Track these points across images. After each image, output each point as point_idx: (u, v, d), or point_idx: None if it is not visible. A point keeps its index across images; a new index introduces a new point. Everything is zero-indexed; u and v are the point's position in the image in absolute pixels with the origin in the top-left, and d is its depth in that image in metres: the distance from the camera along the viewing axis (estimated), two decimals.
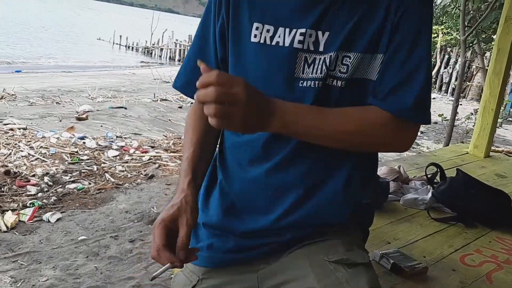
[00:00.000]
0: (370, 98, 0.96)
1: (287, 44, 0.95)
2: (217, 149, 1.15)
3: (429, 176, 2.19)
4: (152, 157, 5.32)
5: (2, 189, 3.98)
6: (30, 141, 5.21)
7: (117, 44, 25.51)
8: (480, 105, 3.23)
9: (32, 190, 4.03)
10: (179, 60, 20.93)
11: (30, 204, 3.76)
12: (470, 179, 2.03)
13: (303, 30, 0.94)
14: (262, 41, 0.97)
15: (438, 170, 2.18)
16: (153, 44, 23.21)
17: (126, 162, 5.07)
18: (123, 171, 4.81)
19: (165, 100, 8.92)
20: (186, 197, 0.95)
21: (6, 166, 4.41)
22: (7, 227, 3.33)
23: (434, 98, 13.57)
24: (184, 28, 40.32)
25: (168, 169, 5.05)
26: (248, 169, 1.04)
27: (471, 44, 6.61)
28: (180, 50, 21.39)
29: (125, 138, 6.01)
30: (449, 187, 1.99)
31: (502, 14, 3.01)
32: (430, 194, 2.05)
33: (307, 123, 0.90)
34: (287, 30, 0.95)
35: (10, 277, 2.74)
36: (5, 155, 4.70)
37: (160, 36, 22.59)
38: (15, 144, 5.05)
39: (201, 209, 1.13)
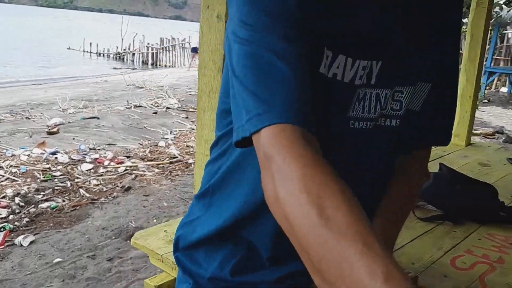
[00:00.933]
0: (415, 139, 0.91)
1: (347, 79, 0.72)
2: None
3: None
4: (128, 168, 5.16)
5: None
6: None
7: (87, 52, 25.03)
8: (458, 93, 3.17)
9: (3, 212, 3.85)
10: (152, 64, 20.61)
11: (0, 228, 3.58)
12: (454, 174, 1.96)
13: (365, 63, 0.73)
14: (321, 71, 0.72)
15: None
16: (124, 49, 22.83)
17: (101, 175, 4.91)
18: (98, 185, 4.65)
19: (139, 106, 8.72)
20: None
21: None
22: None
23: None
24: (155, 30, 39.89)
25: (145, 179, 4.90)
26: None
27: None
28: (152, 54, 21.09)
29: (99, 149, 5.83)
30: (432, 184, 1.90)
31: None
32: None
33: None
34: (349, 60, 0.72)
35: None
36: None
37: (131, 40, 22.22)
38: None
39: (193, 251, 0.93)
